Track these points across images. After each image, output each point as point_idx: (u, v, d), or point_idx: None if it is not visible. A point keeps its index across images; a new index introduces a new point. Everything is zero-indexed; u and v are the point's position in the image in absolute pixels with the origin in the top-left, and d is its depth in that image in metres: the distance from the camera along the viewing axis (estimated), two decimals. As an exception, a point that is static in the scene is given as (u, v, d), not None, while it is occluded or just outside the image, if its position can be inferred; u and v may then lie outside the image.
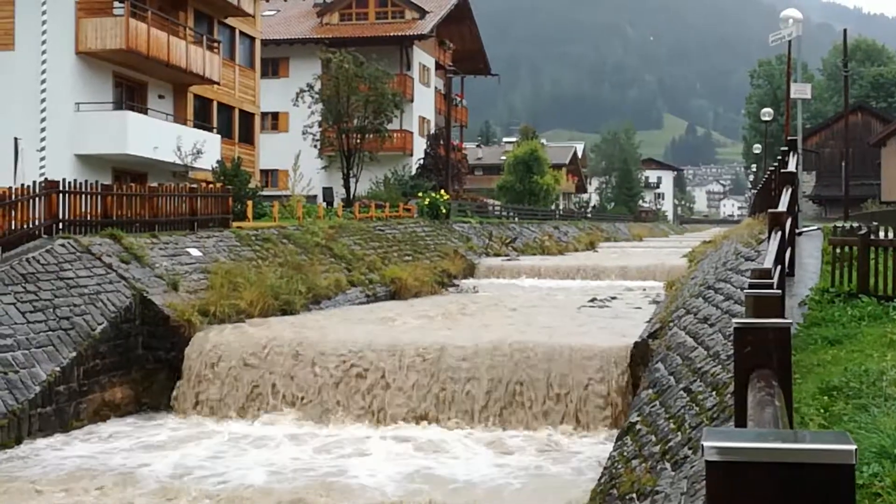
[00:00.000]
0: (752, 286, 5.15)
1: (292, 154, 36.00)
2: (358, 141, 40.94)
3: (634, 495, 7.99)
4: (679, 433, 8.60)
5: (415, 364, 14.99)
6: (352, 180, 40.65)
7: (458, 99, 60.48)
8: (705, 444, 2.10)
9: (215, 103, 37.01)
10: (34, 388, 13.82)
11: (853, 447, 2.04)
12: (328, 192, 41.85)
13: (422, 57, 56.15)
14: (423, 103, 56.55)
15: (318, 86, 41.45)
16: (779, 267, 8.88)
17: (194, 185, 24.19)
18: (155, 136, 29.76)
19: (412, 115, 53.76)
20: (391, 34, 53.20)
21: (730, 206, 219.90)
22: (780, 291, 5.77)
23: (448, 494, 10.83)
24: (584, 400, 14.12)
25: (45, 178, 19.14)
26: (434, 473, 11.69)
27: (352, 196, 39.57)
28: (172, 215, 21.24)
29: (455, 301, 24.83)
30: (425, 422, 14.39)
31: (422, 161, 51.50)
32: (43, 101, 28.75)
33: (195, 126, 33.90)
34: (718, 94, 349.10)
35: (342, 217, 30.58)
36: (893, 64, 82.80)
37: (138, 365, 16.40)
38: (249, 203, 27.09)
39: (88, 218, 18.68)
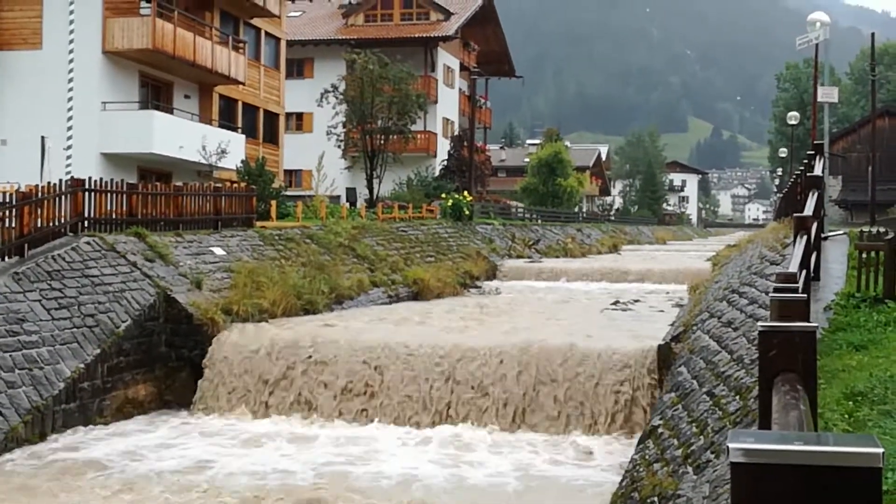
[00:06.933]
0: (777, 290, 5.10)
1: (316, 154, 36.11)
2: (382, 142, 41.00)
3: (656, 499, 7.94)
4: (702, 437, 8.54)
5: (435, 365, 14.99)
6: (375, 181, 40.70)
7: (482, 100, 60.45)
8: (731, 445, 2.08)
9: (240, 103, 37.17)
10: (58, 384, 13.92)
11: (881, 450, 2.01)
12: (352, 193, 41.94)
13: (446, 58, 56.16)
14: (447, 105, 56.57)
15: (342, 86, 41.54)
16: (804, 271, 8.81)
17: (219, 185, 24.30)
18: (180, 136, 29.93)
19: (436, 117, 53.79)
20: (416, 35, 53.24)
21: (755, 210, 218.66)
22: (805, 295, 5.72)
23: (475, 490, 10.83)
24: (606, 403, 14.07)
25: (72, 177, 19.28)
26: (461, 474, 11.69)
27: (375, 197, 39.63)
28: (197, 214, 21.34)
29: (477, 303, 24.80)
30: (446, 422, 14.39)
31: (445, 162, 51.50)
32: (70, 99, 28.97)
33: (220, 126, 34.06)
34: (744, 98, 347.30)
35: (365, 218, 30.63)
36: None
37: (161, 363, 16.48)
38: (273, 203, 27.18)
39: (114, 216, 18.80)
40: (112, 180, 19.46)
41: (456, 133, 54.88)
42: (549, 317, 21.00)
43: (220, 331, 16.64)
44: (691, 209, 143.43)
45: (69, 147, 28.51)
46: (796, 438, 2.17)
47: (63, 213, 17.40)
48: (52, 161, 24.72)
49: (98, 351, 14.97)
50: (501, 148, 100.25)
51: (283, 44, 41.75)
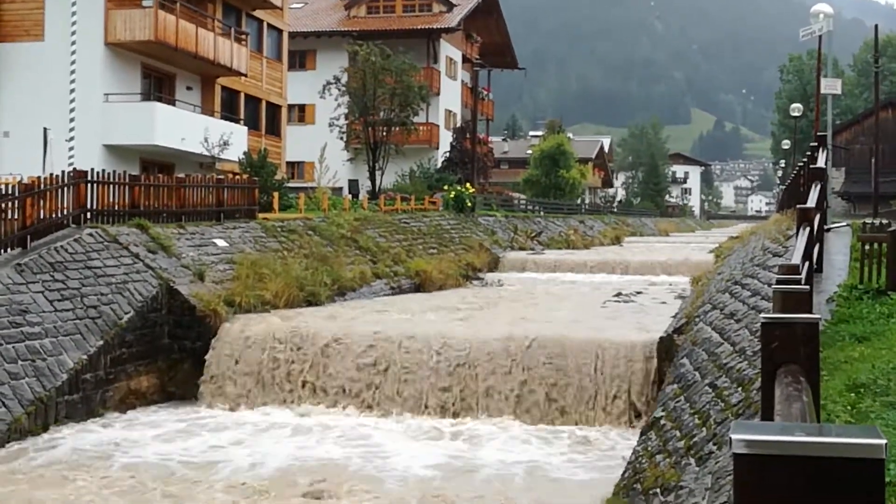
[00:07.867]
0: (779, 282, 5.09)
1: (318, 146, 36.09)
2: (384, 134, 40.95)
3: (658, 490, 7.95)
4: (704, 429, 8.55)
5: (439, 357, 15.00)
6: (377, 173, 40.67)
7: (485, 92, 60.34)
8: (733, 436, 2.08)
9: (242, 95, 37.13)
10: (61, 375, 13.94)
11: (883, 441, 2.01)
12: (354, 185, 41.91)
13: (449, 50, 56.06)
14: (450, 96, 56.48)
15: (344, 78, 41.48)
16: (807, 263, 8.79)
17: (221, 177, 24.29)
18: (182, 127, 29.90)
19: (438, 109, 53.71)
20: (418, 27, 53.14)
21: (757, 202, 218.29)
22: (808, 287, 5.71)
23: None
24: (609, 395, 14.07)
25: (74, 168, 19.30)
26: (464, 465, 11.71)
27: (377, 189, 39.60)
28: (199, 206, 21.35)
29: (479, 294, 24.81)
30: (454, 415, 14.40)
31: (447, 154, 51.43)
32: (72, 91, 28.93)
33: (222, 117, 34.02)
34: (748, 90, 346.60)
35: (367, 209, 30.62)
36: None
37: (164, 354, 16.51)
38: (275, 194, 27.16)
39: (116, 208, 18.81)
40: (114, 172, 19.47)
41: (458, 125, 54.80)
42: (552, 308, 21.00)
43: (222, 322, 16.66)
44: (694, 201, 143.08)
45: (71, 139, 28.48)
46: (799, 430, 2.16)
47: (65, 205, 17.41)
48: (55, 153, 24.71)
49: (101, 342, 14.99)
50: (504, 139, 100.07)
51: (285, 35, 41.67)
